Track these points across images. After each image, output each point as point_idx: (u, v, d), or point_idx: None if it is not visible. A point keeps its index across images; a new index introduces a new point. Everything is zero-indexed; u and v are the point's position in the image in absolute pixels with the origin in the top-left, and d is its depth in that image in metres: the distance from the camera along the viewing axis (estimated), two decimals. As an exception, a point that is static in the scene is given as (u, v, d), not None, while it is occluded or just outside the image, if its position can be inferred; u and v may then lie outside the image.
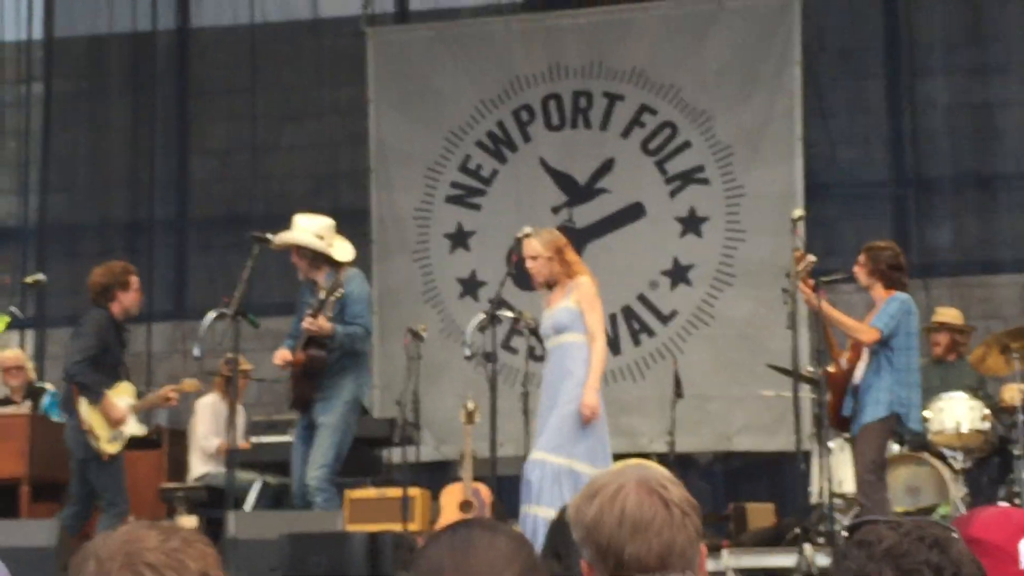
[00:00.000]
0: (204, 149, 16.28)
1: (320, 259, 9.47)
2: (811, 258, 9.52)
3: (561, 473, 8.72)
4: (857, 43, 14.76)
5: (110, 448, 9.86)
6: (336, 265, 9.52)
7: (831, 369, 9.58)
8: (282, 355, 9.51)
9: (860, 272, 9.41)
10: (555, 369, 9.14)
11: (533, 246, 9.22)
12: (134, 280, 10.15)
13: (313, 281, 9.51)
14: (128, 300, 10.07)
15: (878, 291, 9.32)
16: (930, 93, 14.60)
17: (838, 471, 10.28)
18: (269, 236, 9.42)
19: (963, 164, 14.37)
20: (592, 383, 8.86)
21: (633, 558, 2.77)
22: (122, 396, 10.10)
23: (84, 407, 9.65)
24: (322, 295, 9.23)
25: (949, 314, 11.31)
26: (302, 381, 9.40)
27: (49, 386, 12.62)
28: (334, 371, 9.43)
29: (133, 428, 10.20)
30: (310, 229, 9.53)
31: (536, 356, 10.26)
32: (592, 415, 8.83)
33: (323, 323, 9.14)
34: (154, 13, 16.20)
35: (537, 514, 8.68)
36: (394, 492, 11.19)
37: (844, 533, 2.65)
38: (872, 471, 9.10)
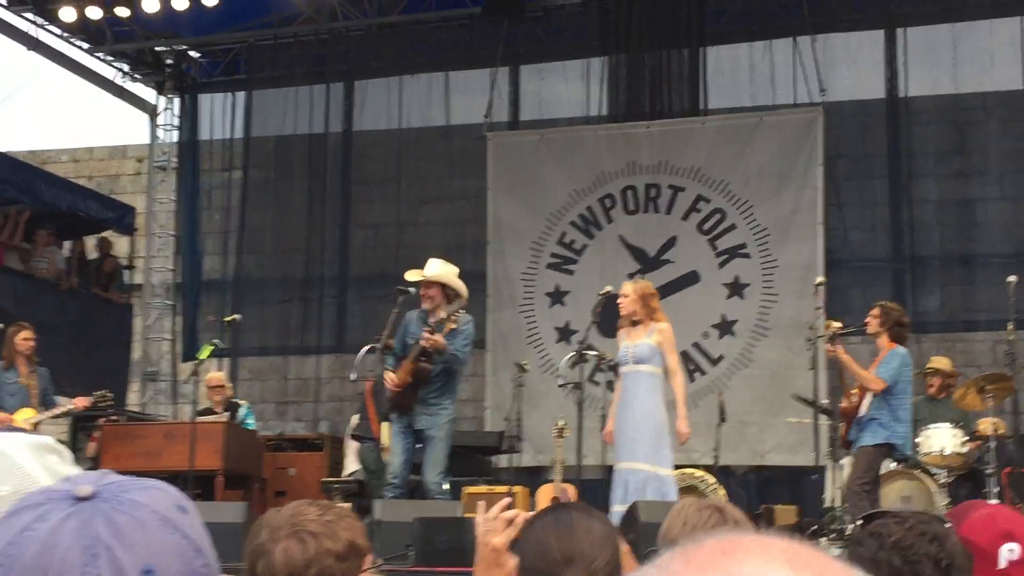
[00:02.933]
0: (362, 223, 16.37)
1: (449, 294, 9.30)
2: (836, 325, 9.52)
3: (648, 478, 8.64)
4: (866, 151, 14.68)
5: None
6: (459, 303, 9.35)
7: (843, 404, 9.54)
8: (391, 378, 9.18)
9: (872, 323, 9.34)
10: (629, 390, 8.99)
11: (625, 288, 9.19)
12: None
13: (428, 312, 9.25)
14: None
15: (884, 340, 9.27)
16: (923, 191, 14.49)
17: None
18: (407, 277, 9.42)
19: (949, 247, 14.25)
20: (683, 412, 8.81)
21: None
22: None
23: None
24: (442, 317, 9.07)
25: (942, 362, 11.21)
26: (407, 391, 9.16)
27: (243, 401, 12.77)
28: (436, 390, 9.25)
29: None
30: (450, 271, 9.46)
31: (612, 387, 10.27)
32: (686, 438, 8.84)
33: (439, 339, 8.95)
34: (326, 119, 16.39)
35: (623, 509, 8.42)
36: (501, 488, 11.25)
37: (859, 522, 2.63)
38: (859, 485, 9.01)
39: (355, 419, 12.14)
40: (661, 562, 0.76)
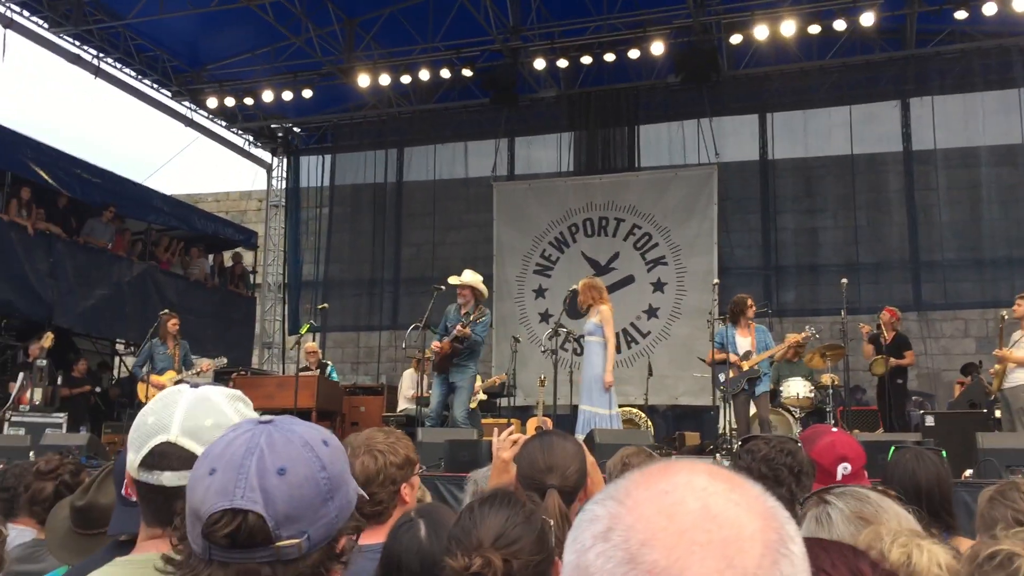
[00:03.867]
0: (408, 243, 16.39)
1: (477, 294, 9.25)
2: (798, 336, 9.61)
3: (595, 415, 8.57)
4: (746, 195, 14.69)
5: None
6: (482, 302, 9.34)
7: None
8: (436, 345, 9.22)
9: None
10: (584, 355, 8.95)
11: (577, 287, 9.13)
12: None
13: (462, 306, 9.22)
14: None
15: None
16: (784, 222, 14.52)
17: (732, 417, 10.24)
18: (442, 288, 9.33)
19: (801, 259, 14.29)
20: (609, 368, 8.64)
21: None
22: None
23: None
24: (471, 315, 9.08)
25: (795, 337, 11.23)
26: (445, 358, 9.16)
27: (329, 362, 12.76)
28: (464, 357, 9.20)
29: None
30: (478, 279, 9.39)
31: (577, 353, 10.29)
32: (609, 386, 8.71)
33: (467, 330, 8.97)
34: (385, 173, 16.50)
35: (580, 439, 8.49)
36: (503, 420, 11.27)
37: (739, 444, 2.61)
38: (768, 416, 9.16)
39: (407, 373, 12.17)
40: (625, 476, 0.77)
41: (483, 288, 9.35)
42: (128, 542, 1.81)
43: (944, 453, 2.89)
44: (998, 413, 9.56)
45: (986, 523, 2.22)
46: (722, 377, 9.06)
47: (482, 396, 10.73)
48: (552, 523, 2.50)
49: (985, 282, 13.33)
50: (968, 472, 7.09)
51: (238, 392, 1.65)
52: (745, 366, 9.06)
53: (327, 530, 1.19)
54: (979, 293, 13.35)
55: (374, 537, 2.44)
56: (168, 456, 1.50)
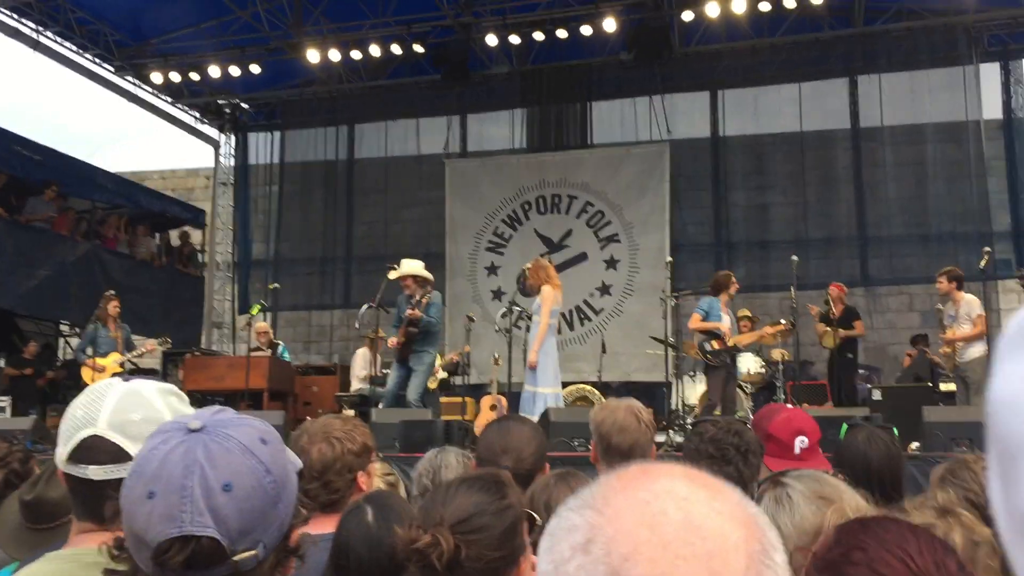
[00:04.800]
0: (361, 221, 16.23)
1: (423, 282, 9.13)
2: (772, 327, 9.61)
3: (534, 394, 8.50)
4: (697, 172, 14.80)
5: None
6: (427, 285, 9.18)
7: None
8: (391, 341, 9.14)
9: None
10: (529, 338, 8.84)
11: (526, 270, 9.13)
12: None
13: (412, 295, 9.07)
14: None
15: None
16: (734, 199, 14.63)
17: (685, 393, 10.34)
18: (396, 267, 9.22)
19: (752, 235, 14.41)
20: (535, 348, 8.52)
21: (616, 445, 2.80)
22: None
23: None
24: (418, 297, 8.97)
25: (746, 312, 11.35)
26: (404, 346, 9.03)
27: (280, 341, 12.63)
28: (421, 342, 9.06)
29: None
30: (419, 265, 9.26)
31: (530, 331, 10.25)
32: (532, 365, 8.55)
33: (417, 312, 8.84)
34: (336, 150, 16.32)
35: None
36: (457, 399, 11.28)
37: (689, 426, 2.59)
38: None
39: (359, 352, 12.09)
40: (600, 481, 0.74)
41: (425, 273, 9.19)
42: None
43: (896, 431, 2.93)
44: (944, 387, 9.79)
45: (922, 495, 2.26)
46: (707, 346, 9.06)
47: (442, 375, 10.67)
48: (536, 521, 2.49)
49: (930, 257, 13.55)
50: (914, 445, 7.25)
51: (171, 386, 1.64)
52: (732, 342, 9.11)
53: (280, 531, 1.17)
54: (924, 268, 13.55)
55: (329, 526, 2.41)
56: (95, 449, 1.48)
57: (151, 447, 1.15)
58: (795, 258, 9.50)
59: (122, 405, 1.52)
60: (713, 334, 9.12)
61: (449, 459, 2.99)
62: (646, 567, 0.66)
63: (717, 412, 8.91)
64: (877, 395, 9.21)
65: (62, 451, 1.52)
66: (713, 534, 0.68)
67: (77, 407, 1.55)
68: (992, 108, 13.63)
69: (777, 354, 10.54)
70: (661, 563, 0.66)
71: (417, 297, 9.00)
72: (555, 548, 0.71)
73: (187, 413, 1.49)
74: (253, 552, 1.11)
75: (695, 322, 9.26)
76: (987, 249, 9.48)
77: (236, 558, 1.10)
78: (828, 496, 1.61)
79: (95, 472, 1.47)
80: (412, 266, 9.21)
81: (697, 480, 0.73)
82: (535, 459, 2.66)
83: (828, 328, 10.60)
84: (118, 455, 1.47)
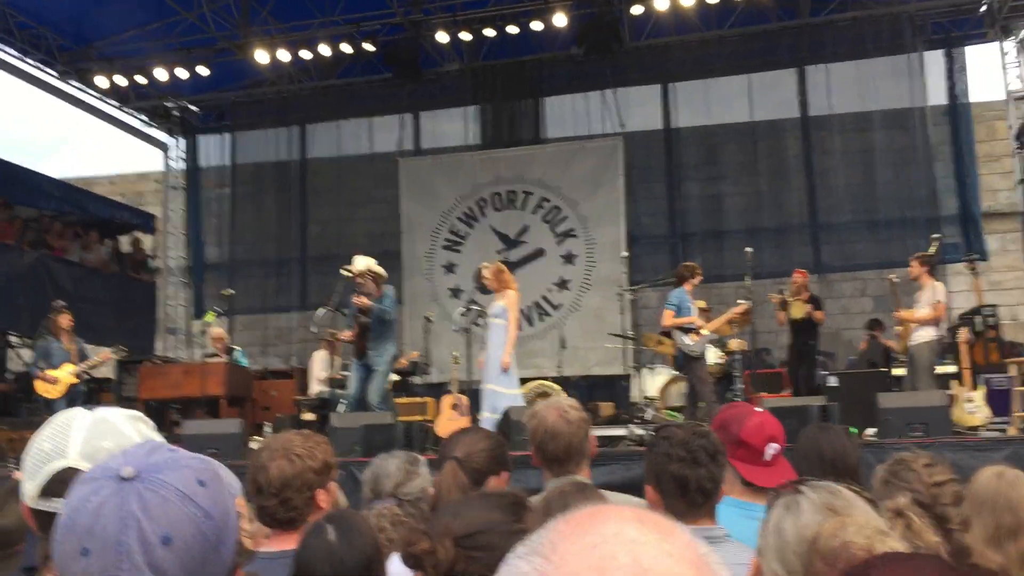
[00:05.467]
0: (315, 220, 16.09)
1: (376, 278, 9.04)
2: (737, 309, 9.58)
3: (497, 394, 8.52)
4: (651, 164, 14.85)
5: None
6: (380, 281, 9.11)
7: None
8: (345, 334, 9.18)
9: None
10: (488, 338, 8.84)
11: (485, 273, 9.05)
12: None
13: (362, 289, 8.96)
14: None
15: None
16: (688, 190, 14.73)
17: (644, 386, 10.39)
18: (350, 267, 9.09)
19: (707, 226, 14.51)
20: (508, 350, 8.59)
21: (551, 451, 2.81)
22: None
23: None
24: (369, 290, 8.92)
25: (701, 303, 11.39)
26: (359, 340, 8.95)
27: (237, 347, 12.48)
28: (378, 338, 8.96)
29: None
30: (369, 262, 9.15)
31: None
32: (507, 366, 8.63)
33: (365, 300, 8.76)
34: (288, 150, 16.17)
35: (486, 415, 8.41)
36: (418, 399, 11.23)
37: (652, 433, 2.61)
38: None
39: (317, 354, 11.98)
40: (548, 526, 0.74)
41: (378, 269, 9.11)
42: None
43: (854, 430, 2.97)
44: (896, 371, 9.94)
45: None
46: (688, 340, 9.03)
47: (394, 377, 10.57)
48: (445, 492, 2.49)
49: (880, 243, 13.78)
50: (870, 431, 7.37)
51: (137, 413, 1.60)
52: (704, 331, 9.13)
53: (224, 574, 1.13)
54: (875, 254, 13.80)
55: (287, 543, 2.41)
56: (68, 483, 1.41)
57: (82, 497, 1.09)
58: (750, 250, 9.55)
59: (92, 434, 1.48)
60: (687, 328, 9.12)
61: (388, 467, 2.98)
62: None
63: (702, 404, 8.92)
64: (833, 382, 9.34)
65: (31, 487, 1.47)
66: None
67: (43, 440, 1.50)
68: (937, 95, 13.84)
69: (735, 344, 10.64)
70: None
71: (369, 289, 8.93)
72: None
73: (154, 439, 1.46)
74: None
75: (668, 319, 9.18)
76: (936, 235, 9.65)
77: None
78: (838, 509, 1.63)
79: None
80: (364, 262, 9.14)
81: (647, 522, 0.72)
82: (486, 459, 2.66)
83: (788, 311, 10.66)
84: None
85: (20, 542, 2.26)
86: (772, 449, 2.64)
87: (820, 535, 1.53)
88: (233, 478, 1.42)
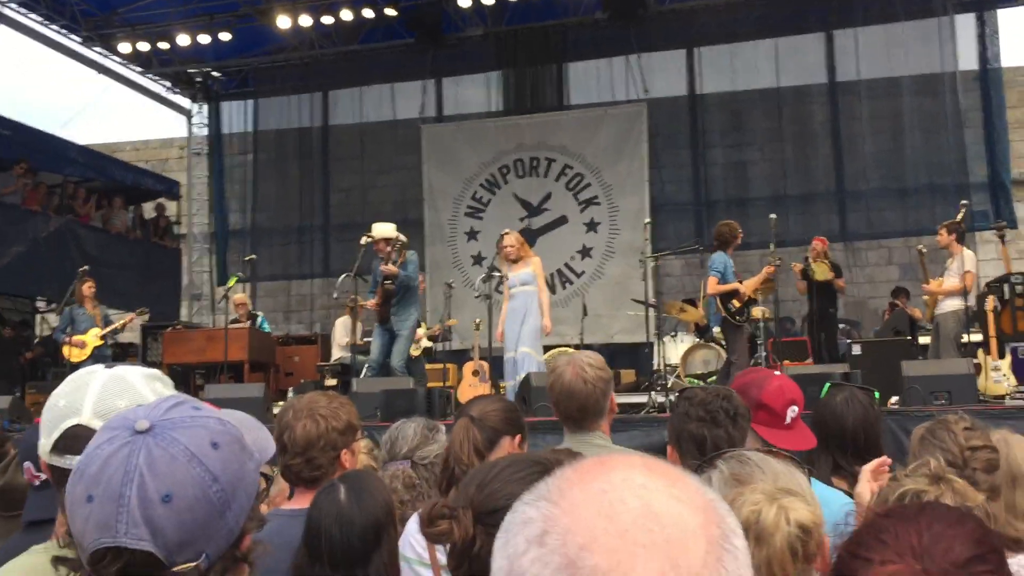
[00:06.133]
0: (337, 188, 16.13)
1: (396, 243, 9.03)
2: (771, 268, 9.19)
3: (531, 357, 8.53)
4: (675, 131, 14.74)
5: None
6: (403, 247, 9.11)
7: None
8: (370, 303, 9.16)
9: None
10: (518, 305, 8.73)
11: (509, 237, 9.02)
12: None
13: (387, 256, 9.00)
14: None
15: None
16: (713, 157, 14.62)
17: (666, 353, 10.36)
18: (372, 234, 9.14)
19: (731, 194, 14.40)
20: (547, 316, 8.61)
21: (566, 409, 2.79)
22: None
23: None
24: (392, 256, 8.93)
25: (769, 269, 10.95)
26: (383, 307, 8.98)
27: (260, 313, 12.58)
28: (401, 303, 9.01)
29: None
30: (391, 227, 9.17)
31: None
32: (549, 331, 8.71)
33: (392, 268, 8.81)
34: (311, 117, 16.18)
35: (515, 383, 8.38)
36: (439, 366, 11.28)
37: (676, 395, 2.59)
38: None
39: (339, 321, 12.04)
40: (556, 474, 0.73)
41: (397, 234, 9.12)
42: (42, 523, 1.74)
43: (876, 394, 2.93)
44: (922, 340, 9.86)
45: (917, 461, 2.26)
46: (731, 306, 8.80)
47: (426, 343, 10.62)
48: (462, 449, 2.46)
49: (908, 210, 13.64)
50: (893, 399, 7.32)
51: (155, 371, 1.60)
52: (748, 294, 8.93)
53: (227, 539, 1.11)
54: (902, 222, 13.66)
55: (308, 501, 2.42)
56: (80, 439, 1.41)
57: (96, 444, 1.10)
58: (774, 217, 9.41)
59: (106, 392, 1.49)
60: (733, 293, 8.89)
61: (407, 430, 2.97)
62: (603, 556, 0.65)
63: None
64: (857, 350, 9.26)
65: (45, 442, 1.49)
66: (671, 521, 0.67)
67: (59, 396, 1.51)
68: (968, 59, 13.59)
69: (757, 312, 10.54)
70: (619, 551, 0.65)
71: (393, 257, 8.95)
72: (510, 543, 0.70)
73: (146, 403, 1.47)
74: (194, 564, 1.06)
75: (714, 286, 8.84)
76: (964, 202, 9.51)
77: (175, 569, 1.05)
78: (743, 478, 1.59)
79: None
80: (383, 229, 9.15)
81: (655, 469, 0.71)
82: (499, 420, 2.62)
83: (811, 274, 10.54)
84: None
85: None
86: (792, 412, 2.62)
87: None
88: (268, 443, 1.40)
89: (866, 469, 2.22)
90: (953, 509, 1.14)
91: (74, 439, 1.45)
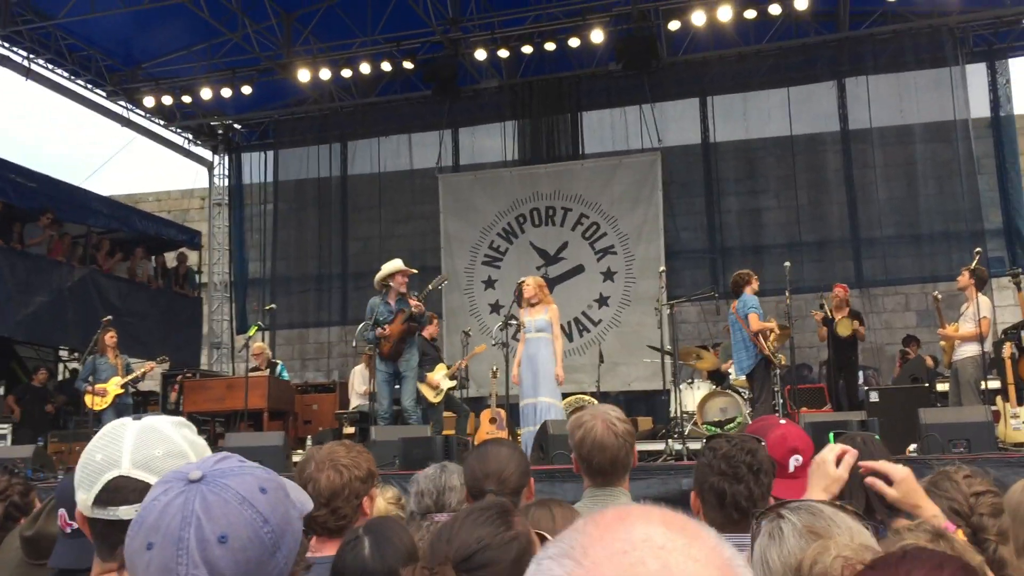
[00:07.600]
0: (355, 237, 16.27)
1: (408, 276, 9.22)
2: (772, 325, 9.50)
3: (550, 406, 8.55)
4: (689, 179, 14.82)
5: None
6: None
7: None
8: (380, 332, 9.04)
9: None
10: (533, 352, 8.78)
11: (529, 282, 9.08)
12: None
13: (402, 294, 9.11)
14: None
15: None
16: (727, 205, 14.67)
17: (684, 400, 10.33)
18: (386, 270, 9.22)
19: (746, 241, 14.45)
20: (559, 364, 8.66)
21: (597, 463, 2.82)
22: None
23: None
24: (427, 289, 9.18)
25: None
26: (398, 341, 9.02)
27: (279, 361, 12.63)
28: (410, 343, 9.14)
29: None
30: (398, 262, 9.32)
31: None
32: (562, 380, 8.74)
33: (421, 306, 8.95)
34: (329, 167, 16.34)
35: (532, 430, 8.34)
36: (453, 413, 11.27)
37: (703, 443, 2.59)
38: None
39: (357, 369, 12.07)
40: (578, 528, 0.78)
41: (407, 268, 9.32)
42: (73, 572, 1.80)
43: (877, 437, 2.93)
44: (940, 387, 9.81)
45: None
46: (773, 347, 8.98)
47: (449, 383, 10.60)
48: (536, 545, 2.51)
49: (923, 256, 13.64)
50: (912, 447, 7.28)
51: (181, 418, 1.65)
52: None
53: None
54: (917, 268, 13.66)
55: (333, 549, 2.46)
56: (123, 490, 1.49)
57: (153, 497, 1.17)
58: (788, 264, 9.47)
59: (141, 442, 1.52)
60: (765, 333, 9.06)
61: (453, 481, 3.00)
62: None
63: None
64: (874, 397, 9.23)
65: (85, 497, 1.52)
66: None
67: (95, 451, 1.54)
68: (980, 106, 13.70)
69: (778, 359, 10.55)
70: None
71: (415, 292, 9.06)
72: None
73: (199, 443, 1.54)
74: None
75: (757, 323, 9.17)
76: (978, 249, 9.53)
77: None
78: (819, 531, 1.58)
79: (126, 512, 1.47)
80: (393, 264, 9.26)
81: (674, 526, 0.75)
82: (518, 476, 2.70)
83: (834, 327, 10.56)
84: (146, 492, 1.50)
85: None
86: (795, 461, 2.63)
87: (803, 563, 1.48)
88: (306, 497, 1.48)
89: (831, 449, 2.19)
90: (936, 553, 1.17)
91: (116, 491, 1.49)
